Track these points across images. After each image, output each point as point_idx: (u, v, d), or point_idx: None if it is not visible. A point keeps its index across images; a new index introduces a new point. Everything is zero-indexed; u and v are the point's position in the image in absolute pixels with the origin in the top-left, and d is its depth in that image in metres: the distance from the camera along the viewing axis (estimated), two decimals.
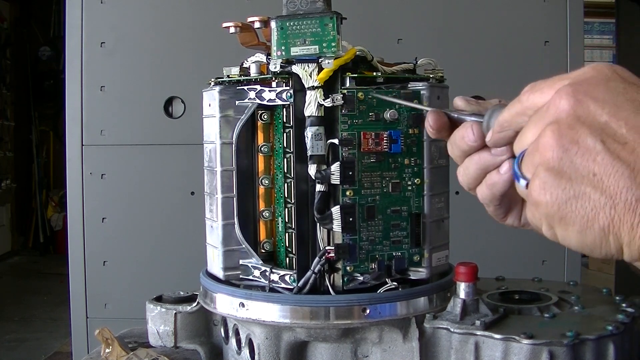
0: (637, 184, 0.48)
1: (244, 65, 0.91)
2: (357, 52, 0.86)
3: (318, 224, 0.86)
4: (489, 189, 0.62)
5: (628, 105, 0.50)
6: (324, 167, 0.85)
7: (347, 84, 0.85)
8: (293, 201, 0.87)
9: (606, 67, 0.54)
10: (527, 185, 0.54)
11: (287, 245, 0.89)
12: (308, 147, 0.85)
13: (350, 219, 0.84)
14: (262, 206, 0.90)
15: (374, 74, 0.87)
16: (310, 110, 0.84)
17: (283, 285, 0.86)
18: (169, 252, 2.11)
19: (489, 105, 0.63)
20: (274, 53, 0.87)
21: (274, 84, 0.87)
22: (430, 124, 0.65)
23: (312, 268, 0.85)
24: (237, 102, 0.88)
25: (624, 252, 0.50)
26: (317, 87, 0.84)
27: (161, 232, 2.13)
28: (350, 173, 0.84)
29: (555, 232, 0.53)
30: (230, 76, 0.91)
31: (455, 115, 0.65)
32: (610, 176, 0.49)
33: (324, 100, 0.84)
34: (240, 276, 0.90)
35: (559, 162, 0.51)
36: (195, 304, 0.96)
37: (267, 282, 0.87)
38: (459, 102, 0.66)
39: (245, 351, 0.90)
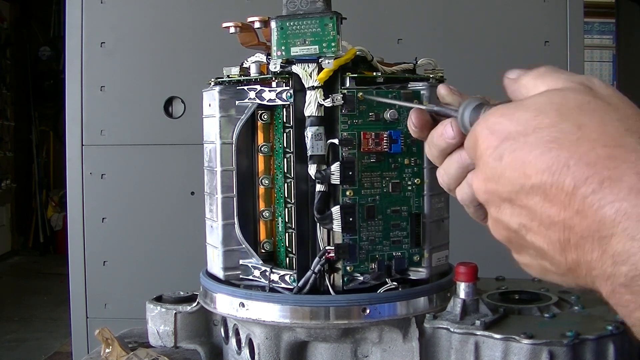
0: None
1: (244, 65, 0.91)
2: (357, 52, 0.86)
3: (318, 224, 0.86)
4: (469, 187, 0.61)
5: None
6: (324, 167, 0.85)
7: (347, 84, 0.85)
8: (293, 201, 0.87)
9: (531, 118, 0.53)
10: None
11: (287, 245, 0.88)
12: (308, 147, 0.85)
13: (350, 219, 0.84)
14: (262, 206, 0.90)
15: (374, 74, 0.87)
16: (310, 110, 0.84)
17: (283, 285, 0.86)
18: (169, 252, 2.11)
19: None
20: (274, 53, 0.87)
21: (274, 84, 0.87)
22: (412, 122, 0.65)
23: (312, 268, 0.85)
24: (237, 102, 0.88)
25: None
26: (317, 87, 0.84)
27: (161, 232, 2.13)
28: (350, 173, 0.84)
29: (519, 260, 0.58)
30: (230, 76, 0.91)
31: (436, 108, 0.63)
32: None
33: (324, 100, 0.84)
34: (240, 276, 0.90)
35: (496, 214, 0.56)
36: (195, 304, 0.96)
37: (267, 282, 0.87)
38: (442, 90, 0.65)
39: (245, 351, 0.90)
